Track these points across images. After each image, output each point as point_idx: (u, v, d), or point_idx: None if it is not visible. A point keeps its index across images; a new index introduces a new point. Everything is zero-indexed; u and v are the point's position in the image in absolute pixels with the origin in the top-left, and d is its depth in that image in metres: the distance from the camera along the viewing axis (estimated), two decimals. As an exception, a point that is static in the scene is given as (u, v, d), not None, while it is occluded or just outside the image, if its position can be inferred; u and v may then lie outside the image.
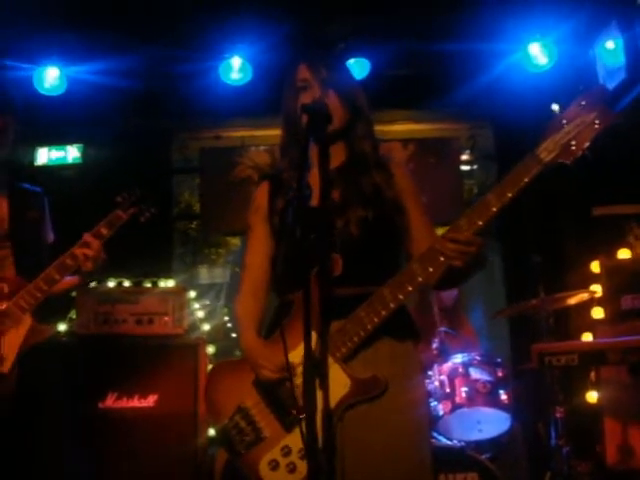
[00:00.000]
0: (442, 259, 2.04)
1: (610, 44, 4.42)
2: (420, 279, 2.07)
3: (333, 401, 2.01)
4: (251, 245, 2.39)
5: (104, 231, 2.91)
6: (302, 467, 2.05)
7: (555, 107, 1.95)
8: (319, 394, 1.82)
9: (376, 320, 2.09)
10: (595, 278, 4.44)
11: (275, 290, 2.31)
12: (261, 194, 2.37)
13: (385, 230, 2.24)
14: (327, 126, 2.02)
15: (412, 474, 2.11)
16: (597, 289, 4.35)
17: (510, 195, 1.98)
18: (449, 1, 4.60)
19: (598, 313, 4.38)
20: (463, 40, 4.69)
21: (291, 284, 2.12)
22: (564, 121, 1.95)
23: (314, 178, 2.01)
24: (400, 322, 2.19)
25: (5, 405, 2.74)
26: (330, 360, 2.05)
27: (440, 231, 2.14)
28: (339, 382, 2.08)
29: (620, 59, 4.34)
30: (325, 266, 2.03)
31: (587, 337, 4.39)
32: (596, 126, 1.93)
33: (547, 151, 1.96)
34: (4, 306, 2.81)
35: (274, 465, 2.12)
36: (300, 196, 1.84)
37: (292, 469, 2.09)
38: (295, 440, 2.04)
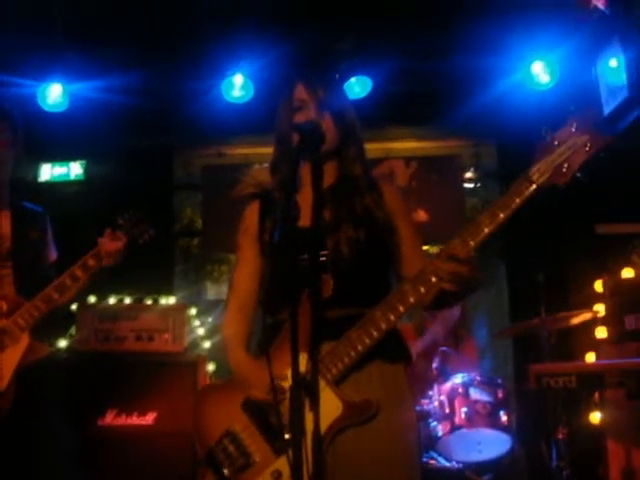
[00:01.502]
0: (434, 280, 2.01)
1: (613, 62, 4.39)
2: (412, 299, 2.05)
3: (324, 424, 1.98)
4: (239, 265, 2.37)
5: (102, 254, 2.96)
6: (293, 491, 2.02)
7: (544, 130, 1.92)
8: (310, 417, 1.78)
9: (367, 341, 2.06)
10: (598, 297, 4.37)
11: (264, 309, 2.28)
12: (251, 214, 2.35)
13: (376, 251, 2.21)
14: (321, 146, 2.01)
15: None
16: (600, 309, 4.29)
17: (502, 216, 1.95)
18: (451, 19, 4.59)
19: (602, 333, 4.29)
20: (465, 58, 4.70)
21: (281, 303, 2.10)
22: (556, 142, 1.93)
23: (305, 197, 1.99)
24: (391, 344, 2.16)
25: (2, 422, 2.74)
26: (322, 383, 2.01)
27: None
28: (331, 405, 2.05)
29: (622, 77, 4.30)
30: (315, 287, 2.01)
31: (590, 357, 4.32)
32: (587, 149, 1.90)
33: (539, 173, 1.93)
34: (2, 324, 2.83)
35: (264, 490, 2.07)
36: (288, 216, 1.83)
37: (283, 493, 2.05)
38: (286, 464, 1.97)
